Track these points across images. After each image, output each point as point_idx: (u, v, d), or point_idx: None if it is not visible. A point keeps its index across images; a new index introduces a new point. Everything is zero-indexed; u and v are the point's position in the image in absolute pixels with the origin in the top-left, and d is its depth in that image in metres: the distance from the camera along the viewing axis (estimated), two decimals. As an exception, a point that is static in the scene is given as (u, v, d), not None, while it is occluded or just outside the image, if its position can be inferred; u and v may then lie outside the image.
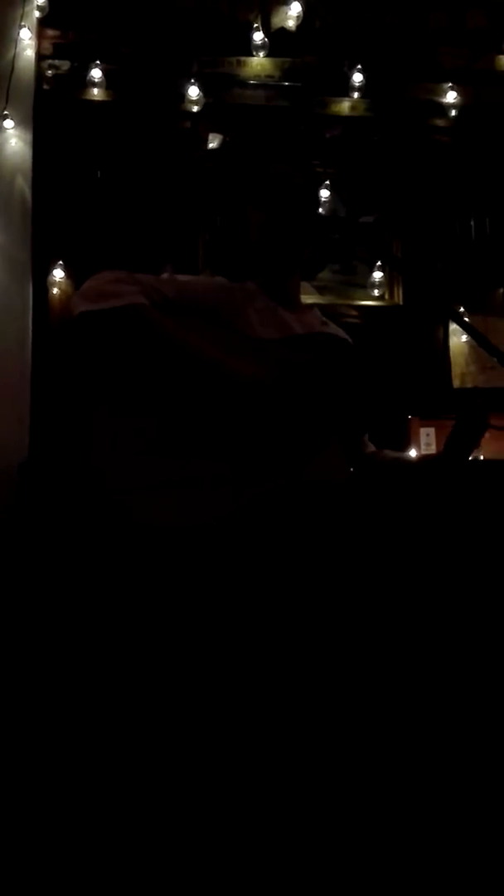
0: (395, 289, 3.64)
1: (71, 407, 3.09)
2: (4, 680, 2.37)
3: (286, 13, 3.64)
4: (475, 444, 1.78)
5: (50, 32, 3.52)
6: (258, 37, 3.56)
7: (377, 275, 3.61)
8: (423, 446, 3.19)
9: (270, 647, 1.54)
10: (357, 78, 3.59)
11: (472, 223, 3.71)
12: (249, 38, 3.57)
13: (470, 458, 1.83)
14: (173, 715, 1.61)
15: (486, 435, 1.78)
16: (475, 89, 3.73)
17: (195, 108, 3.54)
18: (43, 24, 3.49)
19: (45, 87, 3.49)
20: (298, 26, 3.64)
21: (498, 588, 1.72)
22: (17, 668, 2.43)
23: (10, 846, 1.73)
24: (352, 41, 3.68)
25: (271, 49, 3.58)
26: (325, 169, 3.53)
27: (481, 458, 2.91)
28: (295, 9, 3.61)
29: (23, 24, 3.39)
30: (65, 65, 3.51)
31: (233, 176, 3.36)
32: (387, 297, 3.64)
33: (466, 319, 2.58)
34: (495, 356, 1.67)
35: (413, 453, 2.94)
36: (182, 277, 1.80)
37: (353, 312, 3.59)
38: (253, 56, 3.59)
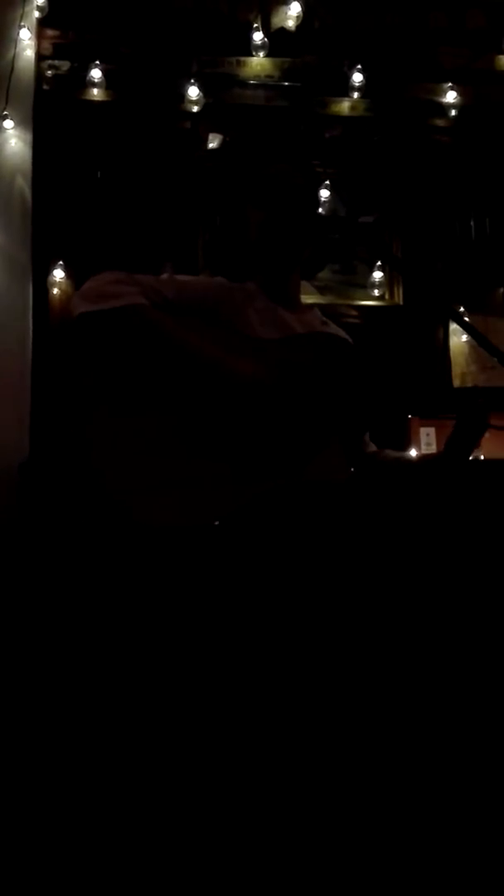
0: (396, 289, 3.64)
1: (71, 407, 3.09)
2: (5, 680, 2.37)
3: (286, 13, 3.64)
4: (476, 444, 1.78)
5: (50, 32, 3.52)
6: (258, 37, 3.56)
7: (377, 275, 3.61)
8: (423, 446, 3.19)
9: (271, 646, 1.53)
10: (357, 78, 3.59)
11: (472, 223, 3.71)
12: (249, 38, 3.57)
13: (470, 458, 1.83)
14: (174, 714, 1.61)
15: (487, 434, 1.78)
16: (475, 89, 3.73)
17: (195, 108, 3.53)
18: (42, 24, 3.49)
19: (45, 87, 3.49)
20: (298, 26, 3.64)
21: (498, 586, 1.72)
22: (17, 667, 2.43)
23: (10, 846, 1.73)
24: (351, 41, 3.68)
25: (271, 49, 3.58)
26: (324, 169, 3.53)
27: (481, 457, 2.91)
28: (294, 9, 3.61)
29: (22, 24, 3.39)
30: (64, 65, 3.51)
31: (233, 176, 3.36)
32: (387, 296, 3.64)
33: (466, 319, 2.58)
34: (495, 356, 1.67)
35: (413, 453, 2.94)
36: (182, 278, 1.80)
37: (353, 312, 3.59)
38: (253, 56, 3.59)
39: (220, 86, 3.57)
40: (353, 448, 1.87)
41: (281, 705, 1.53)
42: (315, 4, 3.66)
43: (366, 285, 3.62)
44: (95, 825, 1.70)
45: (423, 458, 2.31)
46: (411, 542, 1.70)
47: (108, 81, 3.50)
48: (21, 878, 1.66)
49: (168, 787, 1.60)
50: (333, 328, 1.91)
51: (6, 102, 3.34)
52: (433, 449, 3.16)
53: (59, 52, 3.51)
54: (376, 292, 3.62)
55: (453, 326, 3.62)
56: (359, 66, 3.60)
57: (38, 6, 3.43)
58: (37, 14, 3.44)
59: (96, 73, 3.47)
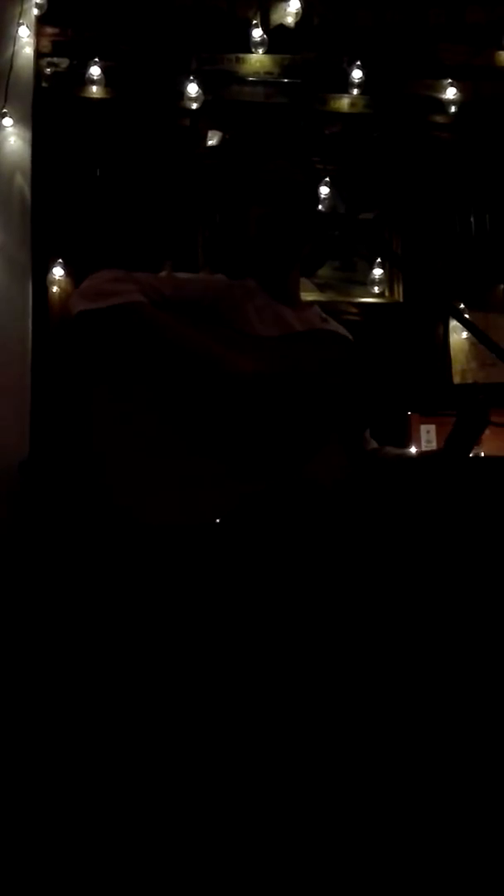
0: (395, 285, 3.63)
1: (71, 405, 3.09)
2: (5, 679, 2.37)
3: (285, 10, 3.63)
4: (476, 441, 1.78)
5: (49, 30, 3.52)
6: (257, 33, 3.55)
7: (377, 271, 3.60)
8: (423, 443, 3.18)
9: (271, 644, 1.53)
10: (356, 74, 3.59)
11: (472, 219, 3.70)
12: (248, 35, 3.56)
13: (470, 455, 1.83)
14: (174, 713, 1.61)
15: (487, 431, 1.78)
16: (475, 85, 3.72)
17: (194, 106, 3.53)
18: (42, 21, 3.48)
19: (44, 84, 3.48)
20: (297, 23, 3.63)
21: (498, 584, 1.72)
22: (17, 667, 2.43)
23: (11, 845, 1.73)
24: (351, 37, 3.67)
25: (270, 46, 3.57)
26: (324, 165, 3.52)
27: (482, 454, 2.91)
28: (294, 5, 3.60)
29: (21, 21, 3.38)
30: (64, 62, 3.50)
31: (232, 173, 3.35)
32: (387, 293, 3.63)
33: (466, 316, 2.57)
34: (495, 353, 1.67)
35: (413, 450, 2.94)
36: (181, 275, 1.80)
37: (353, 309, 3.58)
38: (252, 53, 3.58)
39: (220, 83, 3.57)
40: (354, 445, 1.87)
41: (280, 704, 1.53)
42: (314, 1, 3.65)
43: (366, 282, 3.61)
44: (95, 823, 1.70)
45: (423, 455, 2.31)
46: (412, 539, 1.70)
47: (108, 79, 3.49)
48: (21, 878, 1.66)
49: (168, 785, 1.60)
50: (333, 325, 1.91)
51: (5, 100, 3.34)
52: (433, 446, 3.15)
53: (58, 49, 3.51)
54: (376, 289, 3.62)
55: (453, 323, 3.61)
56: (358, 63, 3.59)
57: (36, 4, 3.42)
58: (36, 11, 3.44)
59: (95, 71, 3.47)
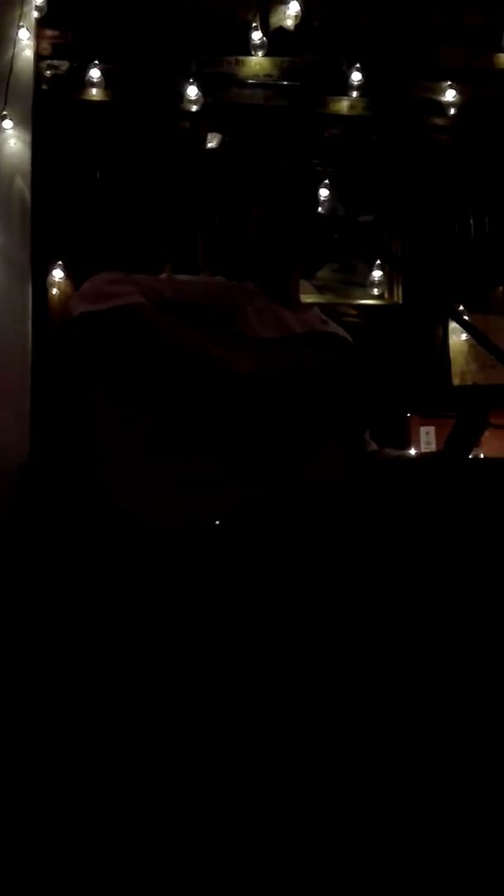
0: (395, 288, 3.64)
1: (71, 408, 3.09)
2: (4, 680, 2.37)
3: (284, 12, 3.64)
4: (476, 442, 1.78)
5: (48, 32, 3.52)
6: (257, 36, 3.56)
7: (377, 274, 3.61)
8: (422, 445, 3.19)
9: (271, 646, 1.53)
10: (356, 77, 3.59)
11: (471, 222, 3.71)
12: (248, 38, 3.57)
13: (470, 457, 1.83)
14: (174, 715, 1.61)
15: (487, 433, 1.78)
16: (474, 87, 3.73)
17: (194, 108, 3.53)
18: (41, 24, 3.49)
19: (44, 87, 3.49)
20: (297, 25, 3.64)
21: (498, 586, 1.72)
22: (17, 667, 2.43)
23: (11, 845, 1.74)
24: (350, 40, 3.68)
25: (270, 48, 3.58)
26: (324, 168, 3.53)
27: (481, 456, 2.91)
28: (293, 8, 3.61)
29: (21, 24, 3.39)
30: (63, 65, 3.51)
31: (232, 175, 3.36)
32: (386, 295, 3.64)
33: (466, 318, 2.58)
34: (495, 354, 1.67)
35: (413, 451, 2.94)
36: (180, 277, 1.80)
37: (353, 311, 3.59)
38: (252, 55, 3.59)
39: (219, 85, 3.57)
40: (354, 447, 1.87)
41: (281, 705, 1.53)
42: (314, 3, 3.66)
43: (365, 284, 3.62)
44: (96, 825, 1.70)
45: (422, 457, 2.31)
46: (412, 540, 1.70)
47: (108, 81, 3.50)
48: (21, 878, 1.66)
49: (168, 787, 1.60)
50: (333, 327, 1.91)
51: (5, 102, 3.34)
52: (433, 447, 3.16)
53: (58, 51, 3.52)
54: (376, 291, 3.62)
55: (453, 325, 3.61)
56: (358, 65, 3.60)
57: (36, 6, 3.43)
58: (36, 14, 3.44)
59: (95, 73, 3.47)
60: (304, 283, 2.09)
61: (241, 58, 3.60)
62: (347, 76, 3.60)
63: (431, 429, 3.19)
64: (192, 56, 3.55)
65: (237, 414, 1.60)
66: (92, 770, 1.80)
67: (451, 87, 3.68)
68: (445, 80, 3.69)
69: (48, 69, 3.49)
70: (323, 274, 3.47)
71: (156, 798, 1.61)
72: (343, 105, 3.66)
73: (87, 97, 3.50)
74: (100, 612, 2.21)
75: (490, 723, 1.64)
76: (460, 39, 3.75)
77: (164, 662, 1.63)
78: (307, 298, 2.75)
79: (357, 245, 3.59)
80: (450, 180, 3.70)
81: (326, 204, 3.48)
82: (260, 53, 3.58)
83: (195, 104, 3.52)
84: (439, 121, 3.72)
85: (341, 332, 1.91)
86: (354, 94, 3.62)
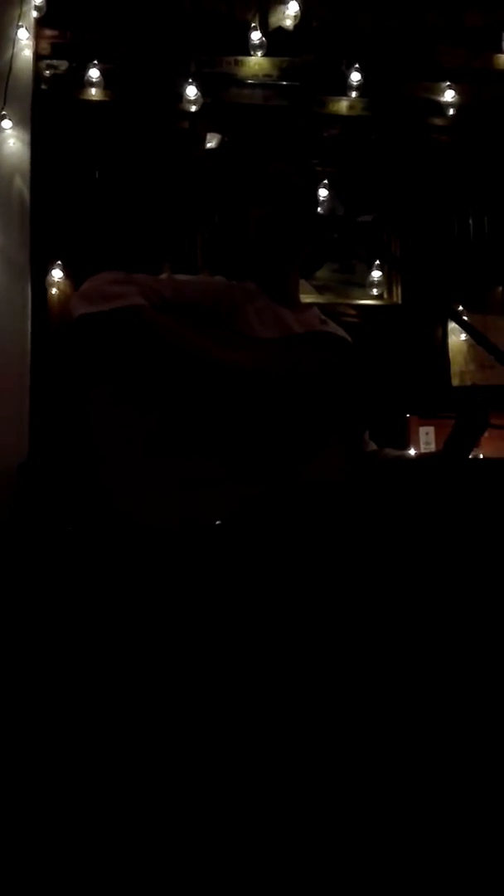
0: (394, 288, 3.64)
1: (70, 408, 3.09)
2: (4, 680, 2.37)
3: (284, 12, 3.64)
4: (475, 443, 1.78)
5: (48, 32, 3.52)
6: (256, 36, 3.56)
7: (376, 274, 3.61)
8: (422, 445, 3.19)
9: (271, 647, 1.53)
10: (355, 77, 3.59)
11: (470, 222, 3.71)
12: (247, 38, 3.57)
13: (470, 457, 1.83)
14: (173, 715, 1.61)
15: (486, 433, 1.78)
16: (473, 88, 3.73)
17: (193, 108, 3.54)
18: (41, 24, 3.49)
19: (43, 87, 3.49)
20: (296, 26, 3.64)
21: (498, 586, 1.72)
22: (17, 668, 2.43)
23: (11, 846, 1.73)
24: (349, 40, 3.68)
25: (269, 48, 3.58)
26: (323, 168, 3.53)
27: (481, 456, 2.91)
28: (292, 8, 3.61)
29: (20, 24, 3.39)
30: (63, 65, 3.51)
31: (231, 175, 3.36)
32: (385, 296, 3.64)
33: (465, 318, 2.58)
34: (494, 355, 1.67)
35: (412, 452, 2.94)
36: (180, 277, 1.80)
37: (352, 311, 3.59)
38: (251, 55, 3.59)
39: (219, 85, 3.58)
40: (353, 447, 1.87)
41: (280, 705, 1.53)
42: (313, 4, 3.66)
43: (364, 284, 3.62)
44: (96, 826, 1.70)
45: (422, 457, 2.31)
46: (412, 541, 1.70)
47: (107, 81, 3.50)
48: (21, 878, 1.66)
49: (167, 788, 1.60)
50: (333, 327, 1.91)
51: (4, 102, 3.34)
52: (432, 448, 3.16)
53: (57, 51, 3.52)
54: (375, 291, 3.62)
55: (452, 325, 3.62)
56: (357, 66, 3.60)
57: (36, 6, 3.43)
58: (35, 14, 3.44)
59: (94, 73, 3.47)
60: (303, 283, 2.09)
61: (240, 58, 3.60)
62: (347, 76, 3.60)
63: (431, 429, 3.19)
64: (191, 56, 3.55)
65: (237, 414, 1.60)
66: (91, 770, 1.80)
67: (450, 87, 3.68)
68: (445, 80, 3.69)
69: (47, 69, 3.50)
70: (322, 274, 3.47)
71: (155, 797, 1.61)
72: (342, 105, 3.66)
73: (86, 97, 3.50)
74: (99, 612, 2.21)
75: (489, 722, 1.64)
76: (459, 40, 3.75)
77: (163, 662, 1.63)
78: (306, 298, 2.75)
79: (356, 245, 3.59)
80: (449, 180, 3.70)
81: (326, 204, 3.48)
82: (259, 53, 3.58)
83: (194, 104, 3.52)
84: (438, 121, 3.72)
85: (341, 332, 1.91)
86: (354, 94, 3.62)
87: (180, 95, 3.52)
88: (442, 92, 3.69)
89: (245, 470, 1.57)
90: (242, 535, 1.55)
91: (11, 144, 3.36)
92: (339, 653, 1.56)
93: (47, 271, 3.40)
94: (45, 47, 3.51)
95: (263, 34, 3.57)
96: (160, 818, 1.59)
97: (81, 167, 3.49)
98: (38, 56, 3.48)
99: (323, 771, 1.53)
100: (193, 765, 1.57)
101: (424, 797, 1.57)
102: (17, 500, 2.99)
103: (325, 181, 3.51)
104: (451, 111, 3.69)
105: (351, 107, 3.66)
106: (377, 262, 3.61)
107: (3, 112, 3.34)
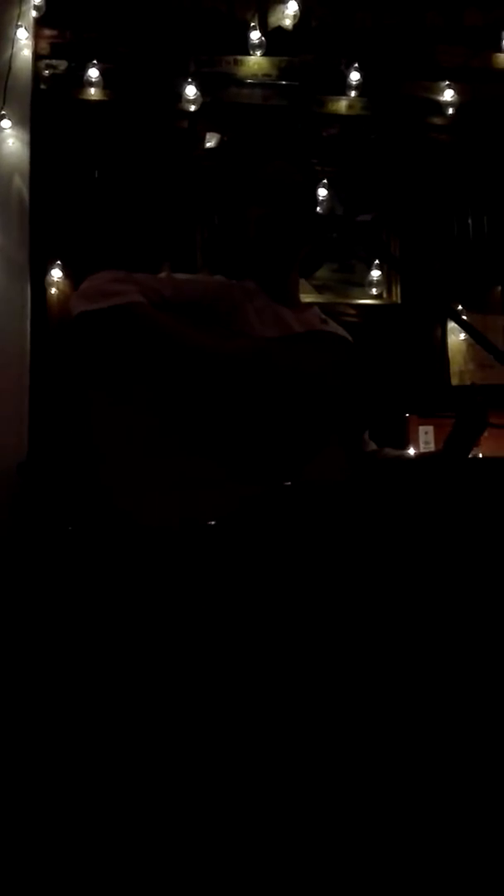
0: (394, 287, 3.64)
1: (70, 407, 3.09)
2: (4, 680, 2.37)
3: (283, 12, 3.65)
4: (475, 442, 1.78)
5: (47, 32, 3.52)
6: (255, 36, 3.56)
7: (375, 273, 3.61)
8: (421, 444, 3.19)
9: (270, 647, 1.53)
10: (354, 76, 3.60)
11: (470, 221, 3.71)
12: (246, 37, 3.57)
13: (469, 456, 1.83)
14: (173, 715, 1.61)
15: (486, 433, 1.78)
16: (472, 87, 3.73)
17: (192, 108, 3.54)
18: (40, 23, 3.49)
19: (43, 86, 3.49)
20: (295, 25, 3.64)
21: (498, 586, 1.72)
22: (16, 668, 2.43)
23: (11, 846, 1.73)
24: (349, 40, 3.68)
25: (268, 48, 3.58)
26: (322, 167, 3.53)
27: (480, 455, 2.91)
28: (292, 7, 3.62)
29: (20, 23, 3.39)
30: (62, 64, 3.51)
31: (231, 174, 3.36)
32: (385, 295, 3.64)
33: (464, 318, 2.58)
34: (493, 354, 1.67)
35: (412, 451, 2.94)
36: (180, 276, 1.80)
37: (352, 311, 3.59)
38: (250, 55, 3.59)
39: (218, 85, 3.58)
40: (353, 447, 1.87)
41: (280, 706, 1.53)
42: (312, 3, 3.67)
43: (364, 284, 3.62)
44: (95, 827, 1.70)
45: (422, 457, 2.31)
46: (411, 541, 1.70)
47: (106, 81, 3.50)
48: (21, 879, 1.66)
49: (168, 787, 1.60)
50: (333, 326, 1.91)
51: (3, 102, 3.34)
52: (432, 447, 3.16)
53: (56, 51, 3.52)
54: (374, 291, 3.62)
55: (451, 325, 3.62)
56: (356, 65, 3.60)
57: (35, 6, 3.43)
58: (34, 13, 3.44)
59: (94, 73, 3.47)
60: (302, 283, 2.09)
61: (239, 57, 3.60)
62: (346, 76, 3.60)
63: (430, 428, 3.20)
64: (190, 56, 3.55)
65: (237, 407, 1.60)
66: (91, 768, 1.80)
67: (449, 86, 3.68)
68: (444, 79, 3.69)
69: (46, 69, 3.49)
70: (321, 273, 3.47)
71: (154, 795, 1.61)
72: (341, 104, 3.66)
73: (85, 97, 3.50)
74: (99, 612, 2.21)
75: (489, 722, 1.64)
76: (459, 39, 3.76)
77: (163, 662, 1.63)
78: (305, 298, 2.75)
79: (356, 244, 3.59)
80: (448, 180, 3.70)
81: (325, 203, 3.48)
82: (258, 53, 3.58)
83: (194, 104, 3.52)
84: (438, 120, 3.72)
85: (341, 331, 1.91)
86: (353, 93, 3.62)
87: (179, 95, 3.52)
88: (441, 91, 3.69)
89: (245, 470, 1.57)
90: (242, 534, 1.55)
91: (11, 144, 3.36)
92: (338, 652, 1.56)
93: (47, 271, 3.40)
94: (45, 47, 3.51)
95: (263, 34, 3.58)
96: (160, 817, 1.59)
97: (81, 167, 3.49)
98: (37, 56, 3.48)
99: (322, 769, 1.53)
100: (192, 763, 1.57)
101: (423, 793, 1.57)
102: (17, 500, 2.99)
103: (325, 181, 3.51)
104: (451, 110, 3.69)
105: (350, 106, 3.66)
106: (376, 261, 3.61)
107: (3, 112, 3.34)
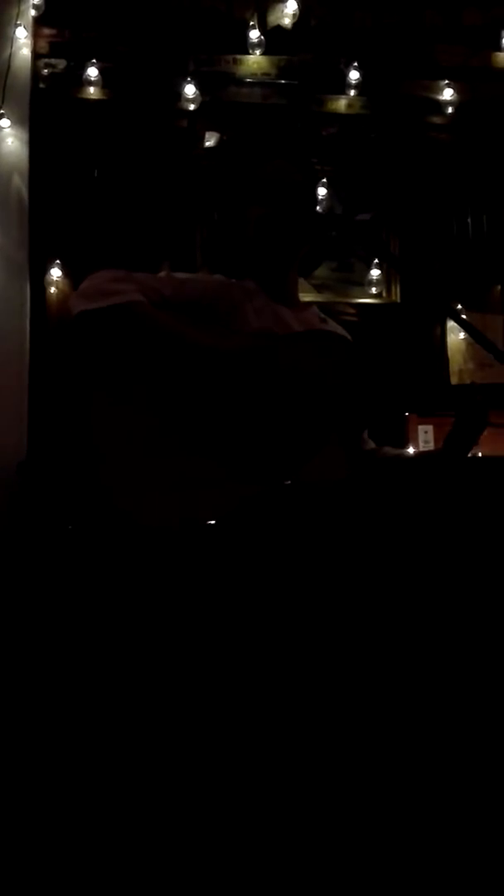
0: (393, 286, 3.64)
1: (70, 407, 3.09)
2: (4, 680, 2.37)
3: (282, 11, 3.64)
4: (475, 441, 1.78)
5: (46, 31, 3.52)
6: (254, 35, 3.56)
7: (375, 272, 3.61)
8: (421, 443, 3.19)
9: (269, 647, 1.54)
10: (353, 75, 3.60)
11: (469, 220, 3.71)
12: (246, 37, 3.57)
13: (469, 455, 1.83)
14: (172, 715, 1.61)
15: (485, 432, 1.78)
16: (472, 86, 3.73)
17: (192, 107, 3.53)
18: (39, 22, 3.49)
19: (42, 85, 3.48)
20: (294, 24, 3.64)
21: (497, 585, 1.73)
22: (16, 668, 2.43)
23: (11, 846, 1.74)
24: (348, 39, 3.68)
25: (268, 47, 3.58)
26: (322, 166, 3.53)
27: (480, 454, 2.91)
28: (291, 6, 3.61)
29: (19, 22, 3.38)
30: (61, 63, 3.50)
31: (230, 173, 3.36)
32: (384, 294, 3.64)
33: (464, 317, 2.58)
34: (493, 353, 1.67)
35: (411, 450, 2.94)
36: (179, 275, 1.80)
37: (351, 310, 3.59)
38: (249, 54, 3.59)
39: (217, 84, 3.57)
40: (352, 446, 1.87)
41: (279, 706, 1.53)
42: (311, 2, 3.66)
43: (363, 283, 3.62)
44: (95, 825, 1.70)
45: (421, 456, 2.31)
46: (411, 540, 1.70)
47: (105, 80, 3.50)
48: (21, 879, 1.66)
49: (167, 786, 1.60)
50: (332, 325, 1.91)
51: (2, 101, 3.34)
52: (431, 446, 3.16)
53: (55, 50, 3.51)
54: (374, 290, 3.62)
55: (451, 324, 3.62)
56: (355, 64, 3.60)
57: (34, 5, 3.43)
58: (33, 13, 3.44)
59: (93, 72, 3.47)
60: (301, 282, 2.09)
61: (238, 56, 3.60)
62: (345, 75, 3.60)
63: (430, 427, 3.20)
64: (189, 55, 3.55)
65: (237, 404, 1.60)
66: (91, 767, 1.80)
67: (448, 85, 3.68)
68: (443, 78, 3.69)
69: (45, 68, 3.49)
70: (321, 272, 3.47)
71: (153, 794, 1.61)
72: (341, 104, 3.66)
73: (84, 96, 3.50)
74: (99, 612, 2.21)
75: (489, 722, 1.65)
76: (458, 38, 3.75)
77: (163, 662, 1.63)
78: (304, 297, 2.75)
79: (355, 244, 3.59)
80: (448, 179, 3.70)
81: (324, 202, 3.48)
82: (258, 52, 3.58)
83: (193, 103, 3.52)
84: (437, 119, 3.72)
85: (340, 330, 1.91)
86: (352, 92, 3.62)
87: (179, 94, 3.52)
88: (440, 90, 3.69)
89: (245, 469, 1.57)
90: (242, 534, 1.55)
91: (10, 143, 3.36)
92: (337, 651, 1.56)
93: (46, 270, 3.39)
94: (44, 46, 3.51)
95: (262, 33, 3.57)
96: (159, 816, 1.60)
97: (80, 166, 3.49)
98: (36, 55, 3.48)
99: (321, 768, 1.53)
100: (192, 762, 1.57)
101: (422, 791, 1.57)
102: (17, 500, 2.99)
103: (324, 180, 3.51)
104: (450, 109, 3.69)
105: (349, 105, 3.66)
106: (376, 260, 3.61)
107: (2, 111, 3.33)
